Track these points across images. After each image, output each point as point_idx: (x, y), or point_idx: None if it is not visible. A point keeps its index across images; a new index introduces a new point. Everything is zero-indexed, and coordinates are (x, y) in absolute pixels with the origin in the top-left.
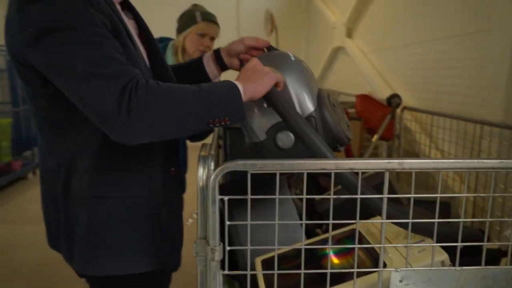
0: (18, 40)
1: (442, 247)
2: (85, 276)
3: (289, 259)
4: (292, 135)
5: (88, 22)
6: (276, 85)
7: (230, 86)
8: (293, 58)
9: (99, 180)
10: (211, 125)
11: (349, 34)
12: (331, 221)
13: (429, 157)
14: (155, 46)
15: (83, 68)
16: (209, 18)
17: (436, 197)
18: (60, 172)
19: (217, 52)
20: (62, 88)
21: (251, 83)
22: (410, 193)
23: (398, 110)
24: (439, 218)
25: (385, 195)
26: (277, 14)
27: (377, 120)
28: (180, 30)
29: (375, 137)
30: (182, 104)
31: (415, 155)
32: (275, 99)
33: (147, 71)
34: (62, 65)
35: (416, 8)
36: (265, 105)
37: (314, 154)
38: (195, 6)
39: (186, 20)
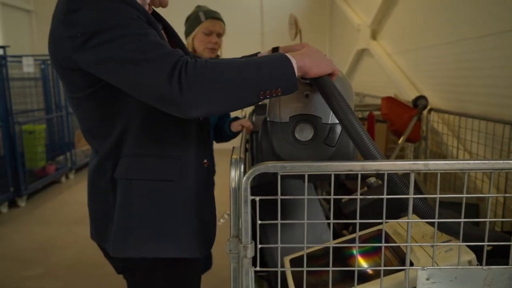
0: (65, 47)
1: (470, 248)
2: (118, 259)
3: (317, 258)
4: (312, 131)
5: (129, 18)
6: (331, 75)
7: (282, 58)
8: (340, 75)
9: (130, 163)
10: (261, 97)
11: (374, 36)
12: (358, 221)
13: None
14: (187, 54)
15: (133, 56)
16: (213, 16)
17: (462, 197)
18: (105, 164)
19: (275, 50)
20: (115, 80)
21: (308, 58)
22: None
23: (425, 112)
24: (466, 220)
25: (411, 196)
26: (301, 17)
27: (403, 122)
28: (187, 32)
29: (401, 139)
30: (230, 76)
31: (442, 157)
32: (325, 85)
33: None
34: (114, 59)
35: (442, 9)
36: (306, 93)
37: (360, 150)
38: (198, 7)
39: (192, 21)
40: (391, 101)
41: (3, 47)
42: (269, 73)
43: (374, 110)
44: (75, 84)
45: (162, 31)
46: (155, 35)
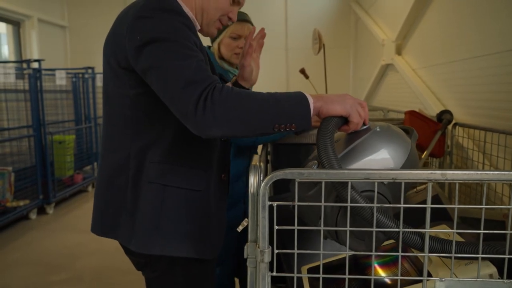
0: (125, 48)
1: (492, 262)
2: (140, 255)
3: (335, 268)
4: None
5: (185, 39)
6: (349, 121)
7: (300, 96)
8: (383, 126)
9: (167, 171)
10: (276, 130)
11: (399, 51)
12: (374, 229)
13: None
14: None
15: (177, 71)
16: (241, 18)
17: (482, 208)
18: (129, 162)
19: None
20: (156, 87)
21: (326, 99)
22: (461, 211)
23: (449, 127)
24: (490, 236)
25: (429, 205)
26: (326, 33)
27: (427, 136)
28: (214, 38)
29: (425, 154)
30: (251, 106)
31: None
32: (324, 121)
33: None
34: (162, 68)
35: (468, 23)
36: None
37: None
38: None
39: None
40: (415, 115)
41: (38, 61)
42: (287, 109)
43: (397, 124)
44: (127, 82)
45: None
46: (202, 60)
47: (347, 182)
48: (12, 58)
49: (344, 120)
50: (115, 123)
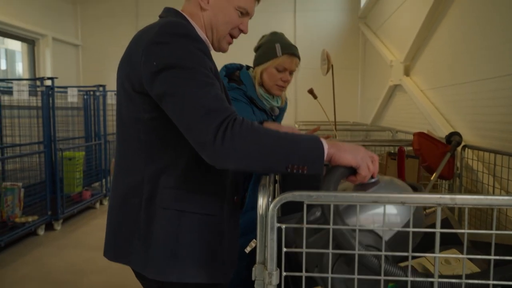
0: (140, 72)
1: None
2: (153, 281)
3: None
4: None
5: (202, 66)
6: (357, 173)
7: (316, 140)
8: (386, 180)
9: (182, 196)
10: (288, 169)
11: (407, 72)
12: (383, 253)
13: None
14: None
15: (193, 99)
16: (291, 52)
17: (492, 234)
18: (143, 186)
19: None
20: (170, 114)
21: (340, 147)
22: (472, 234)
23: (459, 149)
24: (502, 261)
25: (438, 230)
26: (334, 53)
27: (435, 158)
28: (258, 62)
29: (434, 176)
30: (269, 143)
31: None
32: (331, 171)
33: None
34: (178, 96)
35: (478, 45)
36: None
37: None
38: (275, 34)
39: (265, 52)
40: (423, 136)
41: (51, 79)
42: (302, 151)
43: (405, 145)
44: (141, 106)
45: None
46: (218, 88)
47: (349, 232)
48: (26, 76)
49: (353, 171)
50: (129, 145)
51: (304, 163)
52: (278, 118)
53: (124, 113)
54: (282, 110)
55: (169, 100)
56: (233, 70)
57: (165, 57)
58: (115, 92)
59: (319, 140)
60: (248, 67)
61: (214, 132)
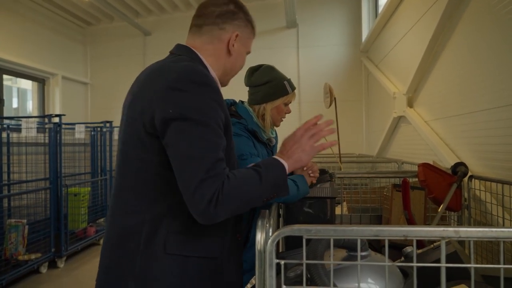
0: (153, 113)
1: None
2: None
3: None
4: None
5: (215, 122)
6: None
7: (281, 169)
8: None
9: (187, 241)
10: (264, 201)
11: (410, 104)
12: None
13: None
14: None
15: (197, 163)
16: (295, 87)
17: (500, 268)
18: (142, 228)
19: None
20: (173, 164)
21: (288, 157)
22: (484, 271)
23: (465, 179)
24: None
25: (443, 265)
26: (337, 86)
27: (442, 189)
28: (267, 99)
29: (441, 208)
30: (249, 192)
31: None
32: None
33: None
34: (183, 154)
35: (480, 75)
36: None
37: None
38: (275, 70)
39: (276, 90)
40: (429, 168)
41: (59, 116)
42: (269, 183)
43: (411, 176)
44: (151, 148)
45: None
46: (222, 148)
47: None
48: (35, 113)
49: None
50: (131, 186)
51: (273, 192)
52: (274, 147)
53: (129, 151)
54: (276, 140)
55: (175, 154)
56: (228, 106)
57: (182, 107)
58: None
59: (279, 164)
60: (242, 102)
61: (208, 202)
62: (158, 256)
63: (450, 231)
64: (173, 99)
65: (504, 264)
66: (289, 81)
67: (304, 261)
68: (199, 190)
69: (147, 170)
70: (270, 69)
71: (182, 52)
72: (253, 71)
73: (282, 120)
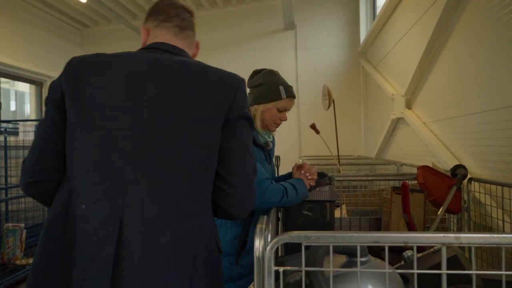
0: (225, 108)
1: None
2: None
3: None
4: None
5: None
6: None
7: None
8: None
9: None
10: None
11: (409, 105)
12: None
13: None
14: None
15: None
16: (292, 94)
17: (502, 274)
18: (204, 231)
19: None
20: (230, 155)
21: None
22: (485, 274)
23: (465, 182)
24: None
25: (444, 271)
26: (335, 88)
27: (441, 192)
28: (260, 101)
29: (441, 210)
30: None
31: (487, 229)
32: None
33: None
34: (247, 149)
35: (479, 76)
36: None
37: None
38: (274, 74)
39: (269, 94)
40: (428, 170)
41: None
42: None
43: (410, 179)
44: (218, 137)
45: None
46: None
47: None
48: (33, 116)
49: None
50: (187, 182)
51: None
52: (271, 151)
53: (195, 140)
54: (273, 144)
55: (238, 147)
56: None
57: (247, 108)
58: None
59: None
60: None
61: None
62: (218, 259)
63: (451, 237)
64: (245, 100)
65: (505, 270)
66: (286, 87)
67: (303, 268)
68: (254, 191)
69: (211, 162)
70: (270, 73)
71: (181, 53)
72: (254, 74)
73: (276, 126)
